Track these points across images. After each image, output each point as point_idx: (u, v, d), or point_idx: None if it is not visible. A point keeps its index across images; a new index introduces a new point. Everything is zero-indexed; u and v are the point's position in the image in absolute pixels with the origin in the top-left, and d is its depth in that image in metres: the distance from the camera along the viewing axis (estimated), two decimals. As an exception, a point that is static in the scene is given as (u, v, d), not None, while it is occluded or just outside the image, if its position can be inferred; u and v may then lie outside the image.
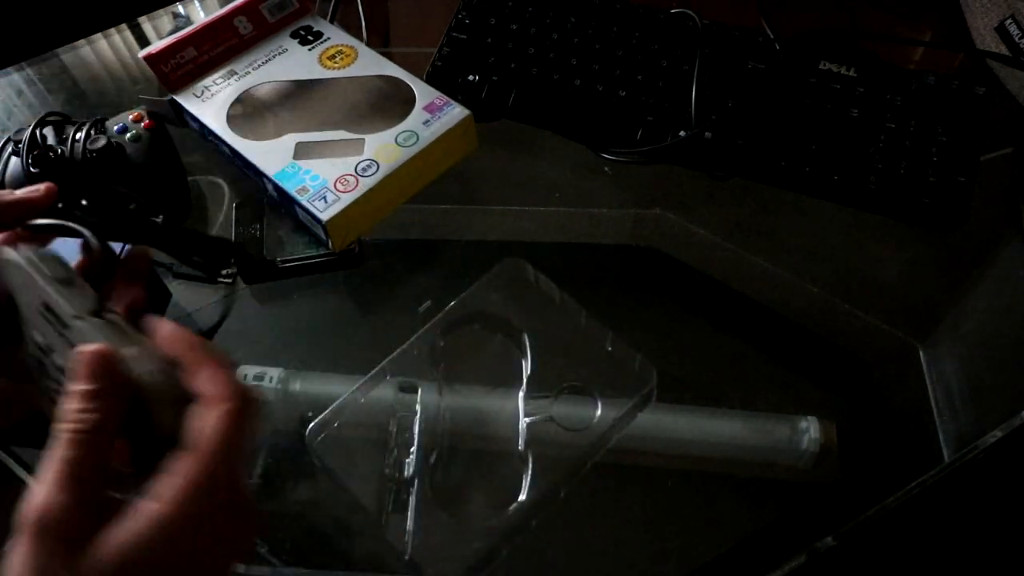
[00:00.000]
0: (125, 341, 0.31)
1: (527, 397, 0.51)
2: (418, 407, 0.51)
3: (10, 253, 0.32)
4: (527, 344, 0.53)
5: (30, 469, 0.53)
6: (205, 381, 0.31)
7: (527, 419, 0.50)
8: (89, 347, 0.30)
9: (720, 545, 0.47)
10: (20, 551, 0.27)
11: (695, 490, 0.51)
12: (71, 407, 0.29)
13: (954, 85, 0.61)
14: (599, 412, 0.50)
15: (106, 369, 0.30)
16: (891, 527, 0.48)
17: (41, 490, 0.28)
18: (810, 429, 0.52)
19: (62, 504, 0.27)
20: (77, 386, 0.29)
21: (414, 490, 0.47)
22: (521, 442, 0.49)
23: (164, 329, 0.33)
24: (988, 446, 0.50)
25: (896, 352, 0.56)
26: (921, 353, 0.56)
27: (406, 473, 0.48)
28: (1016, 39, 0.66)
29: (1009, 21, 0.67)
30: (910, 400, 0.54)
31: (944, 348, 0.56)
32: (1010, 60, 0.67)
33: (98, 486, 0.29)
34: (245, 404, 0.30)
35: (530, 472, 0.48)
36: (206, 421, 0.30)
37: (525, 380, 0.52)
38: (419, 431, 0.50)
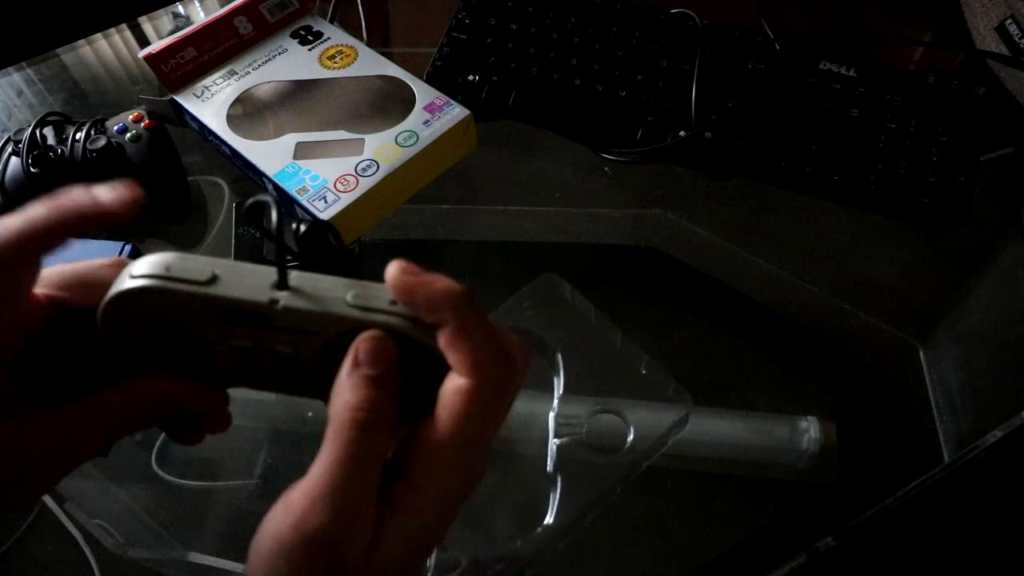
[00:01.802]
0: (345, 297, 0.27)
1: (558, 417, 0.50)
2: None
3: (149, 281, 0.27)
4: (560, 363, 0.52)
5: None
6: (449, 347, 0.27)
7: (557, 440, 0.49)
8: (367, 335, 0.27)
9: (720, 545, 0.47)
10: (294, 566, 0.24)
11: (695, 490, 0.51)
12: (353, 398, 0.26)
13: (954, 85, 0.61)
14: (631, 437, 0.49)
15: (387, 353, 0.26)
16: (891, 527, 0.48)
17: (323, 499, 0.25)
18: (810, 429, 0.52)
19: (344, 515, 0.25)
20: (357, 373, 0.26)
21: None
22: (550, 463, 0.48)
23: (391, 272, 0.27)
24: (988, 446, 0.50)
25: (896, 352, 0.56)
26: (921, 353, 0.56)
27: None
28: (1016, 39, 0.66)
29: (1009, 21, 0.67)
30: (910, 400, 0.54)
31: (944, 348, 0.56)
32: (1010, 60, 0.67)
33: (377, 483, 0.26)
34: (490, 380, 0.27)
35: (559, 494, 0.47)
36: (453, 398, 0.27)
37: (557, 399, 0.51)
38: None
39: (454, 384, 0.27)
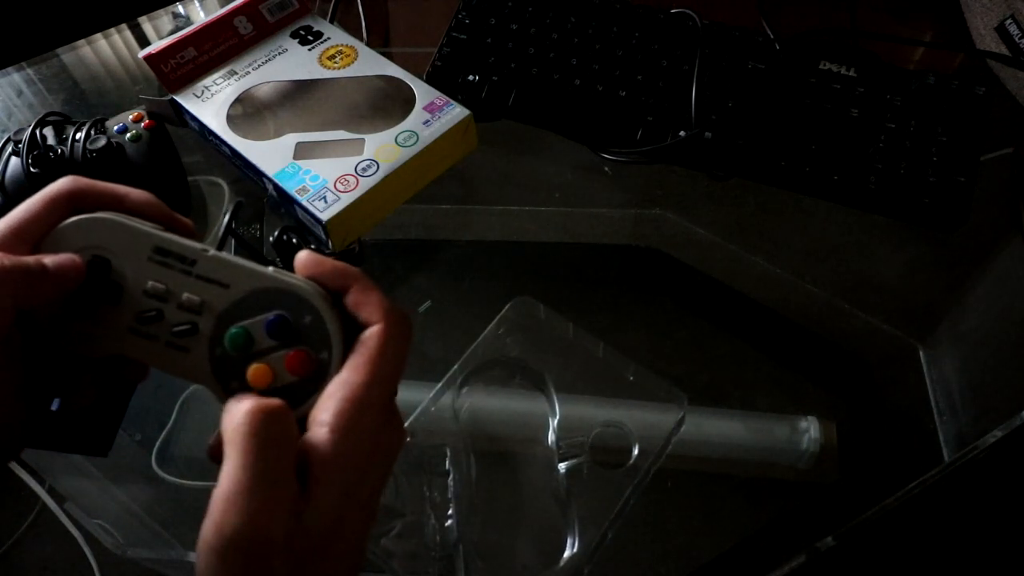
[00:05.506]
0: (267, 271, 0.31)
1: (559, 441, 0.50)
2: (449, 467, 0.49)
3: (106, 214, 0.32)
4: (550, 385, 0.52)
5: (31, 470, 0.53)
6: (357, 306, 0.31)
7: (564, 464, 0.49)
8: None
9: (720, 545, 0.47)
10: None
11: (695, 490, 0.51)
12: (246, 402, 0.28)
13: (954, 85, 0.61)
14: (636, 445, 0.49)
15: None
16: (891, 527, 0.48)
17: (234, 500, 0.26)
18: (810, 429, 0.52)
19: (256, 510, 0.26)
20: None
21: (460, 556, 0.46)
22: (562, 489, 0.48)
23: (301, 253, 0.32)
24: (988, 446, 0.50)
25: (896, 352, 0.56)
26: (921, 353, 0.56)
27: (449, 538, 0.46)
28: (1016, 39, 0.66)
29: (1009, 21, 0.67)
30: (910, 400, 0.54)
31: (944, 348, 0.56)
32: (1010, 60, 0.67)
33: (287, 464, 0.27)
34: (396, 323, 0.31)
35: (576, 519, 0.46)
36: (369, 341, 0.30)
37: (555, 423, 0.51)
38: (454, 494, 0.48)
39: (368, 331, 0.30)
